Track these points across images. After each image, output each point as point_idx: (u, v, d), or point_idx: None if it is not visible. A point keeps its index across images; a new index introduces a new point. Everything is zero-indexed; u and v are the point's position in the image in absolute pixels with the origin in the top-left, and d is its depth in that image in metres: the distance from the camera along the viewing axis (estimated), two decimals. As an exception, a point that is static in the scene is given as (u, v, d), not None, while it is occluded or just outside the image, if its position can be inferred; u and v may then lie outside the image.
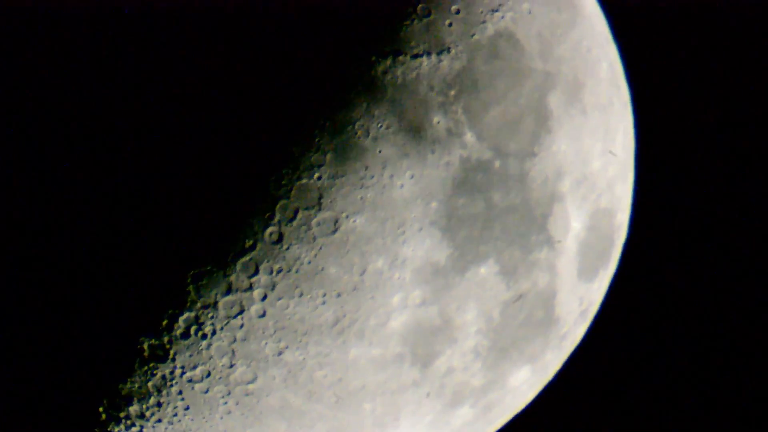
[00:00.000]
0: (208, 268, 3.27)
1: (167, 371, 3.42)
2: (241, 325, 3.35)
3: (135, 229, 3.21)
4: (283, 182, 3.24)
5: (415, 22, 3.38)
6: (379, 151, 3.29)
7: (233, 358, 3.39)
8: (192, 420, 3.52)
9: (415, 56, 3.34)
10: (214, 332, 3.35)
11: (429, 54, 3.36)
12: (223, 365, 3.41)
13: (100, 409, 3.52)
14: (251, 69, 3.21)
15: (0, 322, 3.39)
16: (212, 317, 3.33)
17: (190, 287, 3.29)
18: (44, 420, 3.58)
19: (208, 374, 3.43)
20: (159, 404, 3.49)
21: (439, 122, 3.34)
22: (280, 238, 3.28)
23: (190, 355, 3.39)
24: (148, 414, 3.52)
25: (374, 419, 3.65)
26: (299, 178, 3.25)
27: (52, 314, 3.33)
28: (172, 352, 3.38)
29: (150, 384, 3.44)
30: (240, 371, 3.42)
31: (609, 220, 3.96)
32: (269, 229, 3.27)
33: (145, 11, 3.25)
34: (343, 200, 3.29)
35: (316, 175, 3.26)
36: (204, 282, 3.29)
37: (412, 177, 3.32)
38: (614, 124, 3.91)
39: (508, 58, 3.49)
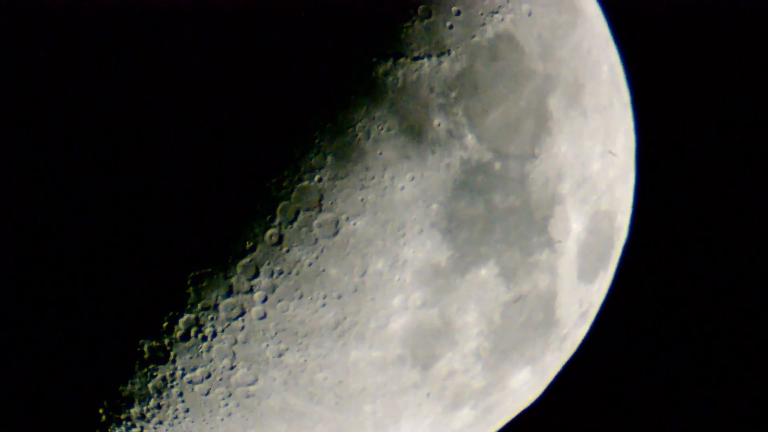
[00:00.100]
0: (209, 270, 3.27)
1: (168, 373, 3.42)
2: (242, 327, 3.35)
3: (135, 230, 3.21)
4: (283, 184, 3.24)
5: (416, 24, 3.38)
6: (380, 153, 3.29)
7: (234, 359, 3.39)
8: (192, 422, 3.52)
9: (416, 58, 3.35)
10: (214, 334, 3.35)
11: (429, 56, 3.36)
12: (223, 367, 3.41)
13: (100, 411, 3.52)
14: (252, 70, 3.21)
15: (0, 323, 3.39)
16: (212, 319, 3.33)
17: (191, 289, 3.29)
18: (45, 421, 3.58)
19: (209, 376, 3.43)
20: (159, 406, 3.49)
21: (439, 124, 3.34)
22: (281, 240, 3.28)
23: (191, 357, 3.39)
24: (148, 416, 3.52)
25: (375, 421, 3.65)
26: (300, 180, 3.25)
27: (52, 315, 3.33)
28: (172, 353, 3.38)
29: (150, 386, 3.44)
30: (240, 373, 3.42)
31: (609, 222, 3.96)
32: (270, 231, 3.27)
33: (145, 11, 3.25)
34: (343, 202, 3.29)
35: (316, 177, 3.26)
36: (204, 284, 3.29)
37: (412, 179, 3.32)
38: (615, 126, 3.91)
39: (509, 60, 3.49)
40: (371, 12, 3.34)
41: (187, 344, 3.36)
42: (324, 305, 3.34)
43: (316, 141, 3.24)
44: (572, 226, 3.71)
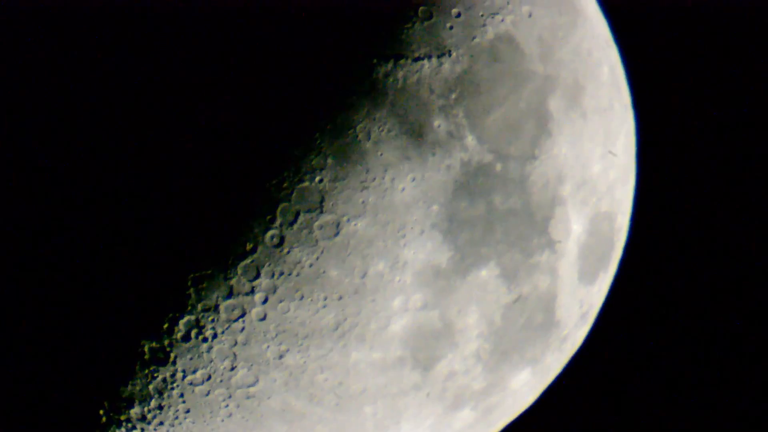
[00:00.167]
0: (209, 271, 3.27)
1: (168, 374, 3.42)
2: (242, 329, 3.35)
3: (136, 232, 3.21)
4: (284, 185, 3.24)
5: (416, 25, 3.38)
6: (380, 154, 3.29)
7: (234, 361, 3.39)
8: (193, 423, 3.52)
9: (416, 59, 3.35)
10: (215, 335, 3.35)
11: (430, 57, 3.36)
12: (224, 368, 3.41)
13: (101, 412, 3.52)
14: (252, 71, 3.21)
15: (1, 324, 3.39)
16: (213, 320, 3.33)
17: (191, 290, 3.29)
18: (45, 423, 3.58)
19: (209, 377, 3.43)
20: (160, 407, 3.49)
21: (440, 125, 3.34)
22: (281, 242, 3.28)
23: (191, 358, 3.39)
24: (149, 417, 3.52)
25: (375, 422, 3.65)
26: (300, 181, 3.25)
27: (53, 317, 3.33)
28: (173, 355, 3.38)
29: (151, 387, 3.44)
30: (241, 374, 3.42)
31: (609, 223, 3.96)
32: (270, 233, 3.27)
33: (145, 12, 3.25)
34: (344, 203, 3.29)
35: (317, 178, 3.26)
36: (205, 285, 3.29)
37: (413, 180, 3.32)
38: (615, 128, 3.91)
39: (509, 62, 3.49)
40: (372, 13, 3.34)
41: (187, 345, 3.36)
42: (324, 306, 3.34)
43: (317, 142, 3.24)
44: (572, 228, 3.71)
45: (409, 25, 3.37)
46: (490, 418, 3.97)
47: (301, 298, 3.33)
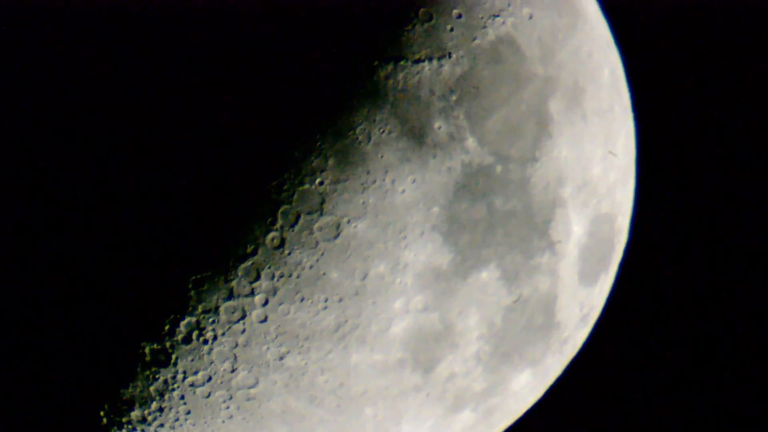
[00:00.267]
0: (210, 273, 3.27)
1: (169, 376, 3.42)
2: (243, 330, 3.35)
3: (136, 233, 3.22)
4: (284, 187, 3.25)
5: (417, 26, 3.38)
6: (381, 156, 3.29)
7: (235, 362, 3.39)
8: (194, 424, 3.52)
9: (417, 61, 3.35)
10: (215, 337, 3.35)
11: (430, 59, 3.36)
12: (224, 370, 3.41)
13: (101, 414, 3.52)
14: (252, 73, 3.21)
15: (2, 325, 3.39)
16: (214, 322, 3.33)
17: (192, 292, 3.29)
18: (45, 424, 3.58)
19: (210, 379, 3.43)
20: (161, 409, 3.49)
21: (440, 127, 3.34)
22: (282, 243, 3.28)
23: (192, 360, 3.39)
24: (149, 419, 3.52)
25: (375, 424, 3.65)
26: (301, 183, 3.25)
27: (53, 318, 3.33)
28: (173, 356, 3.38)
29: (152, 388, 3.44)
30: (241, 376, 3.42)
31: (610, 225, 3.96)
32: (271, 234, 3.27)
33: (146, 13, 3.25)
34: (344, 205, 3.29)
35: (317, 180, 3.26)
36: (205, 287, 3.29)
37: (413, 182, 3.32)
38: (615, 130, 3.91)
39: (509, 63, 3.49)
40: (372, 15, 3.34)
41: (188, 347, 3.36)
42: (325, 308, 3.34)
43: (317, 144, 3.25)
44: (573, 229, 3.71)
45: (410, 27, 3.37)
46: (490, 419, 3.97)
47: (302, 300, 3.33)
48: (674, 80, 6.92)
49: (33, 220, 3.25)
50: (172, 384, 3.43)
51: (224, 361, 3.39)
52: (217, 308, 3.31)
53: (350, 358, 3.42)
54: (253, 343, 3.37)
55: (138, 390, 3.45)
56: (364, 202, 3.30)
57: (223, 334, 3.35)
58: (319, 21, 3.28)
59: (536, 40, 3.58)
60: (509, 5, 3.56)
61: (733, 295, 6.94)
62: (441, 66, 3.37)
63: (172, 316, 3.31)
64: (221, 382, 3.43)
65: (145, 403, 3.48)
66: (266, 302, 3.32)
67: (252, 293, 3.31)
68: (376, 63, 3.31)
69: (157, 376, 3.42)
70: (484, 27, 3.48)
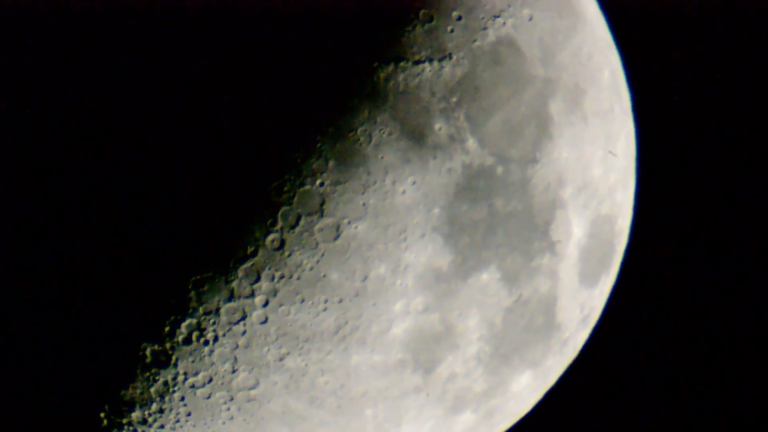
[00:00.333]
0: (210, 274, 3.27)
1: (169, 377, 3.42)
2: (243, 332, 3.35)
3: (136, 235, 3.22)
4: (285, 188, 3.25)
5: (417, 28, 3.38)
6: (381, 157, 3.29)
7: (235, 364, 3.39)
8: (194, 426, 3.52)
9: (417, 62, 3.35)
10: (216, 338, 3.35)
11: (431, 60, 3.36)
12: (225, 371, 3.41)
13: (102, 415, 3.52)
14: (253, 74, 3.22)
15: (2, 326, 3.39)
16: (214, 323, 3.33)
17: (192, 293, 3.29)
18: (46, 425, 3.58)
19: (210, 380, 3.43)
20: (161, 410, 3.49)
21: (441, 128, 3.34)
22: (282, 245, 3.28)
23: (193, 361, 3.39)
24: (150, 420, 3.52)
25: (376, 425, 3.65)
26: (301, 185, 3.26)
27: (54, 319, 3.33)
28: (174, 358, 3.38)
29: (152, 390, 3.44)
30: (242, 377, 3.42)
31: (610, 226, 3.96)
32: (271, 236, 3.27)
33: (146, 15, 3.25)
34: (345, 206, 3.29)
35: (318, 182, 3.26)
36: (206, 288, 3.29)
37: (414, 183, 3.32)
38: (615, 131, 3.91)
39: (510, 65, 3.49)
40: (372, 16, 3.34)
41: (188, 348, 3.36)
42: (325, 310, 3.34)
43: (318, 145, 3.25)
44: (573, 231, 3.71)
45: (410, 28, 3.37)
46: (491, 420, 3.97)
47: (302, 301, 3.33)
48: (674, 82, 6.93)
49: (33, 220, 3.25)
50: (173, 385, 3.43)
51: (225, 363, 3.39)
52: (217, 309, 3.31)
53: (351, 359, 3.42)
54: (253, 345, 3.36)
55: (138, 391, 3.45)
56: (364, 204, 3.30)
57: (224, 335, 3.35)
58: (320, 22, 3.28)
59: (536, 42, 3.58)
60: (509, 6, 3.56)
61: (733, 296, 6.94)
62: (441, 67, 3.37)
63: (173, 317, 3.31)
64: (222, 384, 3.43)
65: (145, 404, 3.48)
66: (267, 303, 3.32)
67: (252, 294, 3.31)
68: (376, 64, 3.31)
69: (157, 378, 3.42)
70: (485, 28, 3.48)
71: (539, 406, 4.34)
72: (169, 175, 3.19)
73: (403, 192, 3.31)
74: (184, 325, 3.32)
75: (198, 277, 3.27)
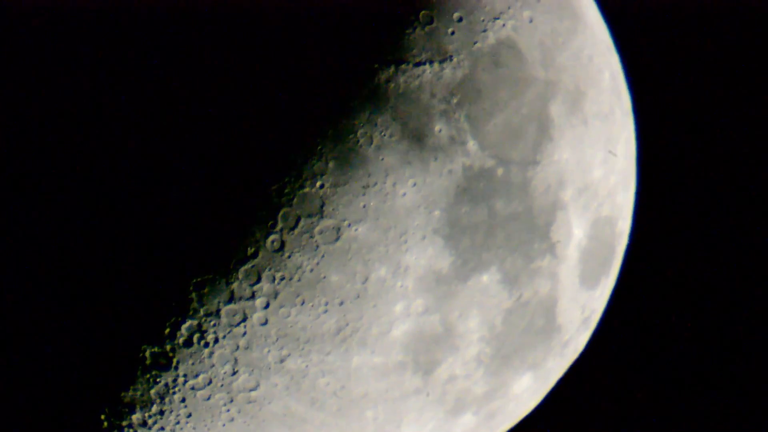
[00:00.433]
0: (211, 276, 3.27)
1: (170, 379, 3.42)
2: (244, 333, 3.35)
3: (137, 236, 3.22)
4: (285, 190, 3.25)
5: (418, 30, 3.38)
6: (382, 159, 3.29)
7: (235, 365, 3.39)
8: (194, 428, 3.52)
9: (418, 64, 3.35)
10: (216, 340, 3.35)
11: (431, 62, 3.37)
12: (225, 373, 3.41)
13: (102, 417, 3.52)
14: (253, 76, 3.22)
15: (2, 328, 3.39)
16: (215, 325, 3.33)
17: (193, 295, 3.29)
18: (46, 427, 3.58)
19: (211, 382, 3.43)
20: (161, 412, 3.49)
21: (441, 130, 3.34)
22: (282, 246, 3.28)
23: (193, 363, 3.39)
24: (150, 422, 3.52)
25: (376, 427, 3.64)
26: (301, 186, 3.26)
27: (54, 321, 3.33)
28: (174, 360, 3.38)
29: (152, 392, 3.44)
30: (242, 379, 3.42)
31: (610, 228, 3.96)
32: (271, 237, 3.27)
33: (146, 18, 3.25)
34: (345, 208, 3.29)
35: (318, 183, 3.26)
36: (206, 290, 3.29)
37: (414, 185, 3.32)
38: (616, 133, 3.92)
39: (510, 67, 3.49)
40: (373, 18, 3.34)
41: (189, 350, 3.36)
42: (326, 311, 3.34)
43: (318, 147, 3.25)
44: (574, 232, 3.71)
45: (411, 30, 3.37)
46: (491, 423, 3.97)
47: (303, 303, 3.33)
48: (674, 84, 6.93)
49: (33, 221, 3.25)
50: (173, 387, 3.43)
51: (225, 364, 3.39)
52: (218, 311, 3.31)
53: (351, 360, 3.42)
54: (254, 346, 3.36)
55: (139, 393, 3.45)
56: (364, 206, 3.30)
57: (224, 336, 3.35)
58: (320, 24, 3.28)
59: (537, 44, 3.58)
60: (509, 8, 3.56)
61: (734, 297, 6.94)
62: (442, 69, 3.37)
63: (173, 319, 3.31)
64: (222, 385, 3.43)
65: (145, 406, 3.48)
66: (267, 305, 3.32)
67: (253, 296, 3.31)
68: (376, 66, 3.31)
69: (157, 379, 3.42)
70: (485, 30, 3.48)
71: (540, 408, 4.34)
72: (169, 176, 3.19)
73: (404, 194, 3.31)
74: (184, 326, 3.32)
75: (198, 278, 3.27)
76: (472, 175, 3.39)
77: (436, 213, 3.36)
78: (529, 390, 3.97)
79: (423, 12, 3.39)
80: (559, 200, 3.62)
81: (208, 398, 3.45)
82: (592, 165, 3.75)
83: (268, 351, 3.37)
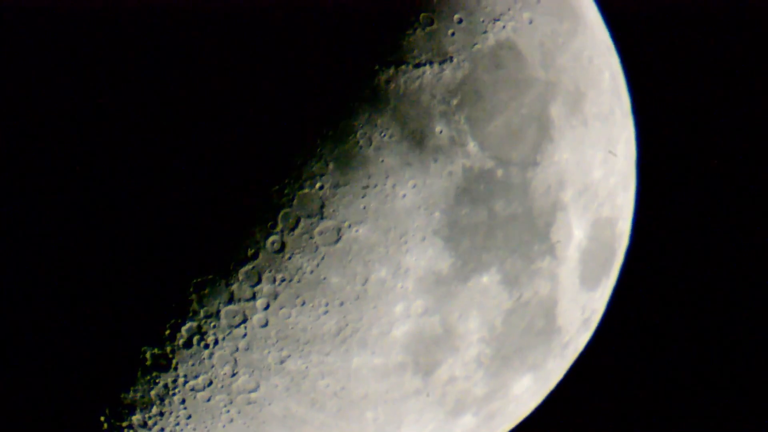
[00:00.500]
0: (211, 277, 3.27)
1: (170, 380, 3.42)
2: (244, 335, 3.35)
3: (137, 238, 3.22)
4: (285, 191, 3.25)
5: (418, 31, 3.38)
6: (382, 161, 3.29)
7: (235, 366, 3.39)
8: (194, 429, 3.52)
9: (418, 65, 3.35)
10: (216, 341, 3.35)
11: (431, 63, 3.37)
12: (225, 374, 3.41)
13: (102, 419, 3.52)
14: (253, 77, 3.22)
15: (2, 329, 3.39)
16: (215, 326, 3.33)
17: (193, 296, 3.29)
18: (46, 429, 3.58)
19: (210, 383, 3.43)
20: (161, 413, 3.49)
21: (441, 131, 3.34)
22: (282, 248, 3.28)
23: (193, 364, 3.39)
24: (150, 423, 3.52)
25: (376, 428, 3.64)
26: (301, 187, 3.26)
27: (54, 323, 3.33)
28: (174, 361, 3.38)
29: (152, 393, 3.44)
30: (242, 380, 3.42)
31: (611, 229, 3.96)
32: (271, 238, 3.27)
33: (146, 18, 3.25)
34: (345, 209, 3.29)
35: (318, 184, 3.26)
36: (206, 291, 3.29)
37: (414, 186, 3.32)
38: (616, 134, 3.92)
39: (510, 68, 3.49)
40: (373, 19, 3.34)
41: (189, 351, 3.36)
42: (326, 312, 3.34)
43: (318, 148, 3.25)
44: (574, 233, 3.71)
45: (411, 31, 3.37)
46: (491, 424, 3.97)
47: (303, 304, 3.33)
48: (674, 85, 6.93)
49: (34, 223, 3.25)
50: (173, 388, 3.43)
51: (225, 365, 3.39)
52: (218, 312, 3.31)
53: (351, 361, 3.42)
54: (254, 347, 3.36)
55: (139, 394, 3.45)
56: (364, 207, 3.30)
57: (224, 338, 3.35)
58: (320, 25, 3.28)
59: (537, 45, 3.58)
60: (509, 9, 3.56)
61: (734, 298, 6.94)
62: (442, 70, 3.37)
63: (173, 320, 3.31)
64: (222, 387, 3.43)
65: (145, 407, 3.48)
66: (267, 306, 3.32)
67: (253, 297, 3.31)
68: (377, 67, 3.31)
69: (157, 381, 3.42)
70: (485, 31, 3.48)
71: (540, 409, 4.34)
72: (169, 177, 3.19)
73: (404, 195, 3.31)
74: (184, 328, 3.32)
75: (198, 279, 3.27)
76: (472, 176, 3.39)
77: (436, 214, 3.36)
78: (529, 391, 3.97)
79: (423, 13, 3.40)
80: (559, 201, 3.62)
81: (208, 399, 3.45)
82: (592, 166, 3.75)
83: (268, 352, 3.37)
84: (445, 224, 3.37)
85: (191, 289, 3.27)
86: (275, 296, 3.31)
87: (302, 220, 3.27)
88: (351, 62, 3.28)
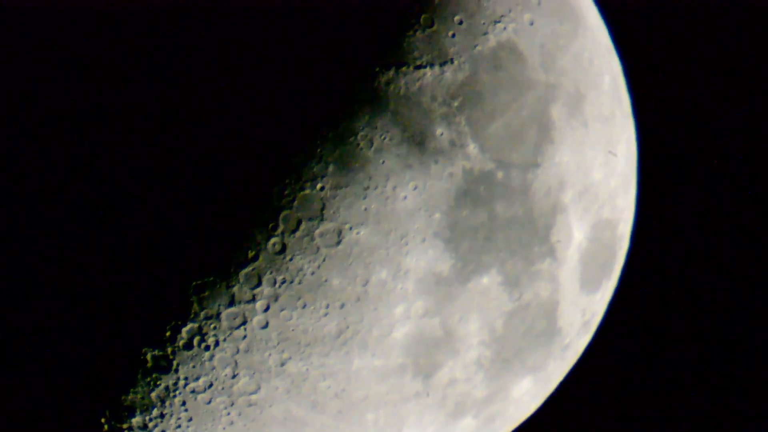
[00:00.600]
0: (211, 279, 3.27)
1: (170, 382, 3.42)
2: (244, 336, 3.35)
3: (137, 240, 3.21)
4: (285, 193, 3.25)
5: (418, 33, 3.38)
6: (382, 162, 3.29)
7: (236, 368, 3.39)
8: (195, 431, 3.52)
9: (418, 67, 3.35)
10: (217, 343, 3.35)
11: (432, 65, 3.37)
12: (225, 376, 3.40)
13: (103, 420, 3.51)
14: (253, 79, 3.22)
15: (2, 331, 3.39)
16: (215, 328, 3.33)
17: (193, 298, 3.29)
18: (46, 430, 3.58)
19: (211, 385, 3.42)
20: (162, 415, 3.49)
21: (442, 133, 3.34)
22: (283, 249, 3.28)
23: (193, 366, 3.39)
24: (150, 425, 3.51)
25: (377, 430, 3.64)
26: (302, 189, 3.25)
27: (54, 324, 3.32)
28: (175, 363, 3.38)
29: (153, 395, 3.44)
30: (243, 382, 3.42)
31: (611, 231, 3.96)
32: (272, 240, 3.27)
33: (146, 19, 3.25)
34: (345, 211, 3.29)
35: (318, 186, 3.26)
36: (207, 293, 3.29)
37: (415, 188, 3.32)
38: (616, 136, 3.91)
39: (511, 70, 3.49)
40: (373, 21, 3.34)
41: (189, 353, 3.36)
42: (326, 314, 3.34)
43: (318, 150, 3.25)
44: (574, 235, 3.71)
45: (411, 33, 3.37)
46: (491, 426, 3.97)
47: (303, 305, 3.33)
48: (675, 86, 6.93)
49: (34, 225, 3.25)
50: (174, 390, 3.43)
51: (225, 367, 3.39)
52: (218, 314, 3.31)
53: (352, 363, 3.42)
54: (254, 349, 3.36)
55: (139, 396, 3.45)
56: (365, 208, 3.30)
57: (225, 339, 3.35)
58: (321, 26, 3.28)
59: (537, 47, 3.58)
60: (510, 11, 3.56)
61: (734, 300, 6.94)
62: (442, 72, 3.37)
63: (174, 322, 3.31)
64: (222, 388, 3.43)
65: (146, 409, 3.48)
66: (268, 308, 3.32)
67: (253, 299, 3.30)
68: (377, 69, 3.31)
69: (158, 383, 3.41)
70: (486, 33, 3.48)
71: (540, 412, 4.33)
72: (170, 179, 3.19)
73: (404, 197, 3.31)
74: (185, 329, 3.32)
75: (199, 281, 3.27)
76: (473, 178, 3.39)
77: (437, 216, 3.36)
78: (529, 393, 3.97)
79: (424, 15, 3.39)
80: (559, 203, 3.62)
81: (209, 401, 3.45)
82: (593, 167, 3.75)
83: (269, 354, 3.37)
84: (446, 226, 3.37)
85: (192, 291, 3.27)
86: (276, 298, 3.31)
87: (303, 221, 3.27)
88: (351, 64, 3.28)
